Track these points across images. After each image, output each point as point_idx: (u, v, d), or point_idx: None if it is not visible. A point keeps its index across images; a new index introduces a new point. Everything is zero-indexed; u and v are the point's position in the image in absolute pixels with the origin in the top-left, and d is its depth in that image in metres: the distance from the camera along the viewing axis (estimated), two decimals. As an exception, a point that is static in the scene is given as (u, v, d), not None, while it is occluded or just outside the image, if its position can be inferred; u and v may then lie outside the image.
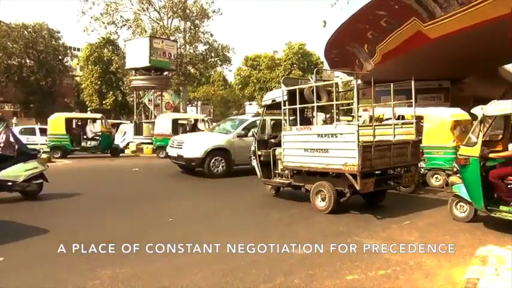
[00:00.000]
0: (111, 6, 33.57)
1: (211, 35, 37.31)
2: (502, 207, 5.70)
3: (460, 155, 6.01)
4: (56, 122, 18.55)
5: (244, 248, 5.05)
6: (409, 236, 5.60)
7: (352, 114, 9.42)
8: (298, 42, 54.53)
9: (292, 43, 54.69)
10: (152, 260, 4.67)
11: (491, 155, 5.91)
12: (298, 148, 7.70)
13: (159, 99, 27.28)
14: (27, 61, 36.82)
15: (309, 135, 7.47)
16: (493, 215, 5.75)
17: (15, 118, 33.86)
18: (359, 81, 37.38)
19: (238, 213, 7.50)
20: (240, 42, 79.91)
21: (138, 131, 24.05)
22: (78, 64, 51.14)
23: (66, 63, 42.09)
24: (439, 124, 9.56)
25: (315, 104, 7.54)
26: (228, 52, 38.33)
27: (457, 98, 22.61)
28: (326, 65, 41.43)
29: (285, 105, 7.88)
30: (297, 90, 7.57)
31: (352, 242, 5.26)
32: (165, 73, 26.91)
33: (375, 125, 7.79)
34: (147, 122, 24.86)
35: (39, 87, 37.30)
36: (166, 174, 12.80)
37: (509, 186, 5.74)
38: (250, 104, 55.46)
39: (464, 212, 6.33)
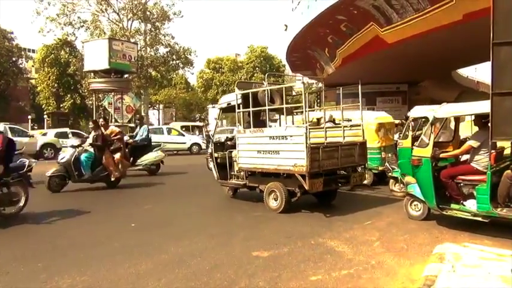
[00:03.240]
0: (67, 7, 32.77)
1: (173, 38, 37.10)
2: (453, 206, 5.94)
3: (413, 155, 6.19)
4: None
5: (208, 252, 5.04)
6: (370, 235, 5.73)
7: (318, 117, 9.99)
8: (260, 46, 54.91)
9: (254, 46, 55.01)
10: (114, 266, 4.55)
11: (442, 155, 6.17)
12: (251, 150, 7.89)
13: (119, 102, 26.71)
14: (-22, 63, 35.22)
15: (262, 138, 7.69)
16: (445, 213, 5.99)
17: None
18: (320, 85, 38.08)
19: (201, 217, 7.46)
20: (202, 45, 79.72)
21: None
22: (33, 66, 49.30)
23: (21, 65, 40.50)
24: (364, 127, 9.84)
25: (267, 108, 7.67)
26: (190, 55, 38.19)
27: (414, 101, 23.48)
28: (288, 68, 41.98)
29: (239, 108, 8.05)
30: (250, 93, 7.76)
31: (315, 243, 5.34)
32: (126, 75, 26.40)
33: (327, 128, 8.00)
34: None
35: (-8, 90, 35.79)
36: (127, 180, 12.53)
37: (459, 185, 6.00)
38: (213, 107, 55.25)
39: (419, 210, 6.56)
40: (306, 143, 6.79)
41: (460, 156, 6.46)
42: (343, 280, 4.13)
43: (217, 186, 9.23)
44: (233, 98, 8.31)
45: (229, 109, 8.81)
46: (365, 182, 9.43)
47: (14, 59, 38.28)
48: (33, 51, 50.11)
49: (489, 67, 2.94)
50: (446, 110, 6.17)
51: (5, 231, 6.32)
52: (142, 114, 36.17)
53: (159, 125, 43.85)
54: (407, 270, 4.36)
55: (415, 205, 6.63)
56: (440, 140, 7.20)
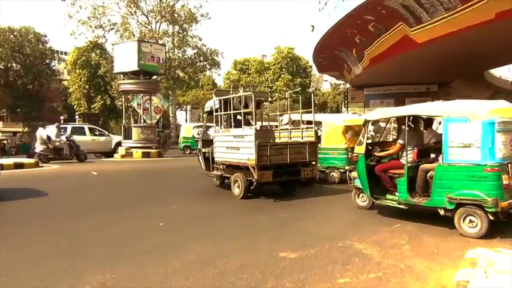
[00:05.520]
0: (98, 10, 33.45)
1: (200, 39, 37.43)
2: (388, 196, 6.84)
3: (354, 152, 7.25)
4: None
5: (234, 252, 5.06)
6: (399, 239, 5.63)
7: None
8: (287, 47, 54.81)
9: (281, 47, 54.94)
10: (142, 264, 4.63)
11: (376, 154, 7.10)
12: (222, 146, 9.62)
13: (148, 103, 27.11)
14: (14, 65, 36.34)
15: (229, 136, 9.40)
16: (378, 202, 6.98)
17: (1, 123, 33.36)
18: (347, 86, 37.76)
19: (226, 217, 7.49)
20: (229, 46, 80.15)
21: (127, 135, 23.89)
22: (65, 68, 50.72)
23: (54, 67, 41.66)
24: (333, 129, 11.02)
25: (232, 112, 9.25)
26: (217, 56, 38.41)
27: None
28: (315, 69, 41.73)
29: (216, 111, 9.85)
30: (221, 100, 9.63)
31: (343, 245, 5.28)
32: (154, 77, 26.76)
33: (291, 129, 10.05)
34: (136, 126, 24.73)
35: (27, 91, 36.91)
36: (152, 177, 12.74)
37: (391, 178, 6.81)
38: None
39: (365, 201, 7.48)
40: (255, 141, 8.30)
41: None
42: (371, 283, 4.08)
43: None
44: (213, 103, 10.13)
45: (211, 112, 10.38)
46: (331, 180, 10.88)
47: (47, 61, 39.44)
48: (65, 53, 51.58)
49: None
50: (375, 113, 7.58)
51: (36, 227, 6.54)
52: (171, 114, 36.67)
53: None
54: (438, 275, 4.26)
55: (361, 196, 7.54)
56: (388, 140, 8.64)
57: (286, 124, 10.69)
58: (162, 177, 12.89)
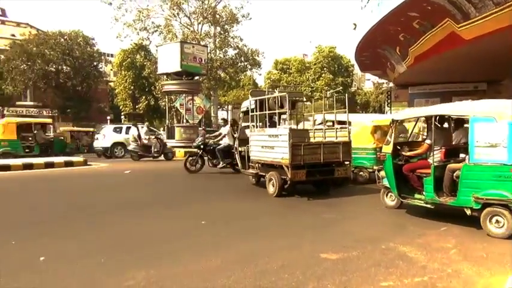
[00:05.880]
0: (143, 13, 34.36)
1: (241, 40, 37.62)
2: (416, 195, 6.86)
3: (382, 152, 7.28)
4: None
5: (275, 251, 5.06)
6: (445, 242, 5.46)
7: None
8: (328, 46, 54.25)
9: (322, 46, 54.41)
10: (185, 262, 4.73)
11: (404, 153, 7.08)
12: (258, 145, 9.85)
13: (190, 104, 27.62)
14: (64, 67, 37.88)
15: (264, 136, 9.66)
16: (406, 201, 7.01)
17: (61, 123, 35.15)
18: (391, 84, 36.83)
19: (268, 216, 7.53)
20: (269, 46, 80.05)
21: (170, 135, 24.44)
22: (111, 70, 52.47)
23: (101, 69, 43.13)
24: (361, 129, 10.99)
25: (267, 112, 9.67)
26: (258, 56, 38.51)
27: (495, 100, 21.82)
28: (357, 68, 41.09)
29: (252, 112, 10.10)
30: (257, 101, 9.91)
31: (386, 248, 5.17)
32: (196, 77, 27.22)
33: (326, 128, 10.30)
34: (179, 126, 25.25)
35: (76, 93, 38.42)
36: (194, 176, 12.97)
37: (419, 177, 6.81)
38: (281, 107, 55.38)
39: (393, 200, 7.51)
40: (289, 140, 8.44)
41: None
42: None
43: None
44: (248, 104, 10.46)
45: (247, 112, 10.66)
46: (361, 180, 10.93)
47: (95, 63, 40.84)
48: (112, 55, 53.32)
49: None
50: (403, 113, 7.81)
51: (84, 223, 6.80)
52: (212, 114, 37.16)
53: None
54: (487, 281, 4.10)
55: (390, 196, 7.55)
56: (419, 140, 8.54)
57: (320, 124, 10.91)
58: (201, 176, 13.12)
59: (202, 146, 13.53)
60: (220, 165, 13.14)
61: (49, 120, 23.78)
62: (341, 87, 52.29)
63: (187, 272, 4.43)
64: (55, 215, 7.58)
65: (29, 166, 15.20)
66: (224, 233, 6.16)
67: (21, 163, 15.32)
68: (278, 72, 56.07)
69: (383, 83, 45.43)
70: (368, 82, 65.40)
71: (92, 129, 27.92)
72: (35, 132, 19.73)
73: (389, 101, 33.07)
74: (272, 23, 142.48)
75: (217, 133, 14.34)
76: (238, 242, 5.55)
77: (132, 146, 18.99)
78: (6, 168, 14.65)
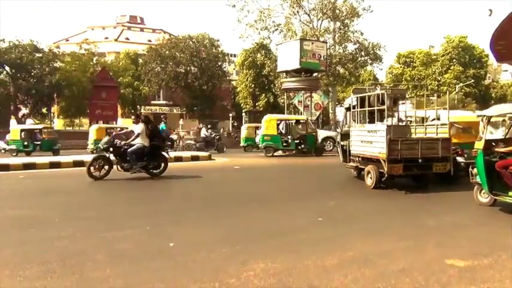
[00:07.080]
0: (264, 13, 35.28)
1: (361, 34, 36.48)
2: (510, 193, 6.69)
3: (474, 148, 7.34)
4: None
5: (396, 253, 4.85)
6: None
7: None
8: (458, 35, 50.02)
9: (451, 36, 50.37)
10: (302, 257, 4.74)
11: (496, 150, 7.05)
12: (358, 140, 10.50)
13: (308, 100, 27.73)
14: (192, 68, 40.73)
15: (363, 131, 10.32)
16: (498, 198, 6.96)
17: (181, 120, 38.03)
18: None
19: (387, 216, 7.24)
20: (391, 39, 76.47)
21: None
22: (234, 69, 54.93)
23: (224, 69, 45.41)
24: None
25: (367, 109, 10.49)
26: (379, 50, 36.99)
27: None
28: (492, 58, 37.22)
29: (354, 108, 10.96)
30: (358, 98, 10.75)
31: (525, 259, 4.63)
32: (315, 74, 27.21)
33: (426, 125, 10.64)
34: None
35: (202, 92, 41.05)
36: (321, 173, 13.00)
37: None
38: (402, 103, 52.76)
39: (487, 198, 7.42)
40: (387, 136, 9.01)
41: None
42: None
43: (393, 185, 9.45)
44: (352, 100, 11.16)
45: (349, 109, 11.46)
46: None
47: (219, 63, 43.18)
48: (234, 55, 55.79)
49: None
50: (495, 109, 7.65)
51: (210, 214, 7.24)
52: (330, 111, 36.78)
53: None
54: None
55: (483, 193, 7.43)
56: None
57: (434, 120, 11.19)
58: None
59: (110, 148, 11.24)
60: (133, 169, 11.18)
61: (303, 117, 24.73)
62: (472, 80, 47.98)
63: (304, 267, 4.44)
64: (180, 206, 8.26)
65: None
66: (342, 231, 6.08)
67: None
68: (401, 66, 53.39)
69: None
70: (505, 74, 58.86)
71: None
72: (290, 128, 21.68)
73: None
74: (395, 14, 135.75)
75: (126, 131, 13.16)
76: (357, 241, 5.41)
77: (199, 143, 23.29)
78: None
